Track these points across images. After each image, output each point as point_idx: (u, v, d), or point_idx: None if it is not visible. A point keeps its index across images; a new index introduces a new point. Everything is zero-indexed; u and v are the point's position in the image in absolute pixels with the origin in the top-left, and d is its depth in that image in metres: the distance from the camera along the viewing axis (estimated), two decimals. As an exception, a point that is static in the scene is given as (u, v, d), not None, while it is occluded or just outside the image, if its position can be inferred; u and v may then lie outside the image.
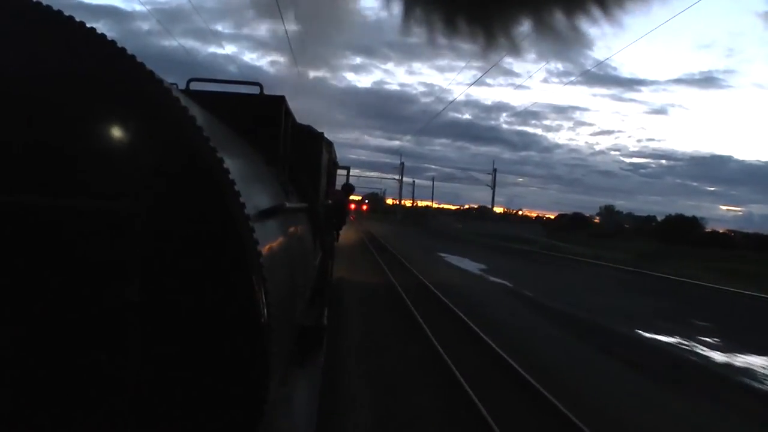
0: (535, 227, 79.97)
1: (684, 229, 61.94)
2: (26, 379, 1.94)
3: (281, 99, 4.65)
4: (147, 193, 1.98)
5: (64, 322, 1.95)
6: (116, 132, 2.00)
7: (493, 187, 62.39)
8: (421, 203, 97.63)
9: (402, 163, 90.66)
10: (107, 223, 1.97)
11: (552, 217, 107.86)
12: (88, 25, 1.98)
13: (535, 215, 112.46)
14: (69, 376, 1.96)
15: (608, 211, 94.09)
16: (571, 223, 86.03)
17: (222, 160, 2.07)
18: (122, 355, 1.97)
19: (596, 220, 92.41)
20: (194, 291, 2.01)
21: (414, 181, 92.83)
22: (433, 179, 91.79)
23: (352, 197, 14.54)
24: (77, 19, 1.97)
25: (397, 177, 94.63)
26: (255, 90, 4.67)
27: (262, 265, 2.12)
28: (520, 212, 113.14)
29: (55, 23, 1.95)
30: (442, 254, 29.93)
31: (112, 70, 1.98)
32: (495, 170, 64.98)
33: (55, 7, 1.97)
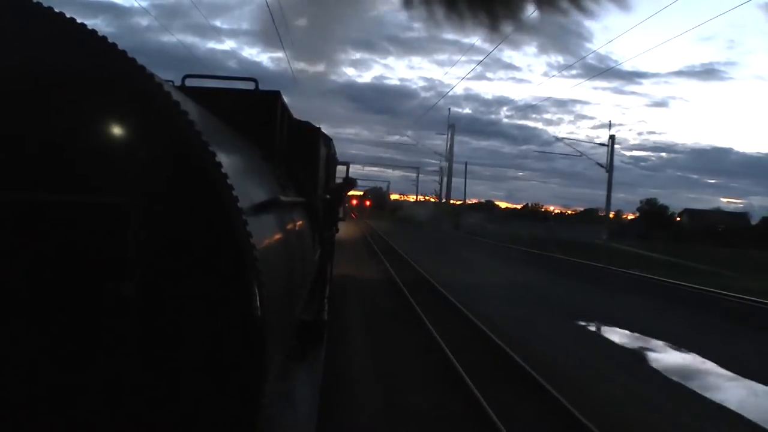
0: (590, 228, 55.33)
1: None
2: (22, 374, 1.96)
3: (277, 94, 4.67)
4: (139, 187, 2.00)
5: (60, 318, 1.96)
6: (108, 127, 2.01)
7: (610, 171, 34.69)
8: (428, 199, 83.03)
9: (452, 126, 58.96)
10: (101, 218, 1.99)
11: (572, 212, 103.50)
12: (79, 21, 2.00)
13: (544, 209, 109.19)
14: (67, 372, 1.97)
15: (689, 211, 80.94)
16: (646, 224, 71.03)
17: (214, 153, 2.08)
18: (118, 350, 1.98)
19: (677, 219, 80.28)
20: (187, 284, 2.02)
21: (448, 177, 61.76)
22: (465, 165, 66.57)
23: (352, 192, 13.91)
24: (68, 15, 1.98)
25: (404, 169, 76.04)
26: (251, 86, 4.69)
27: (256, 258, 2.13)
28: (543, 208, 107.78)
29: (45, 19, 1.96)
30: (588, 325, 13.39)
31: (103, 65, 1.99)
32: (612, 138, 34.98)
33: (47, 4, 1.98)
